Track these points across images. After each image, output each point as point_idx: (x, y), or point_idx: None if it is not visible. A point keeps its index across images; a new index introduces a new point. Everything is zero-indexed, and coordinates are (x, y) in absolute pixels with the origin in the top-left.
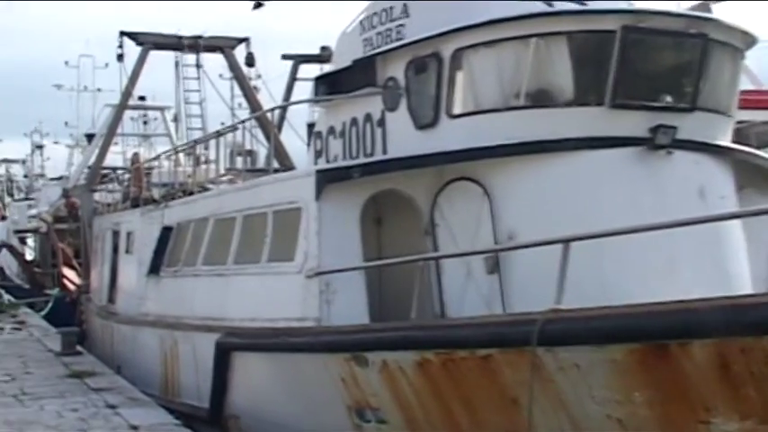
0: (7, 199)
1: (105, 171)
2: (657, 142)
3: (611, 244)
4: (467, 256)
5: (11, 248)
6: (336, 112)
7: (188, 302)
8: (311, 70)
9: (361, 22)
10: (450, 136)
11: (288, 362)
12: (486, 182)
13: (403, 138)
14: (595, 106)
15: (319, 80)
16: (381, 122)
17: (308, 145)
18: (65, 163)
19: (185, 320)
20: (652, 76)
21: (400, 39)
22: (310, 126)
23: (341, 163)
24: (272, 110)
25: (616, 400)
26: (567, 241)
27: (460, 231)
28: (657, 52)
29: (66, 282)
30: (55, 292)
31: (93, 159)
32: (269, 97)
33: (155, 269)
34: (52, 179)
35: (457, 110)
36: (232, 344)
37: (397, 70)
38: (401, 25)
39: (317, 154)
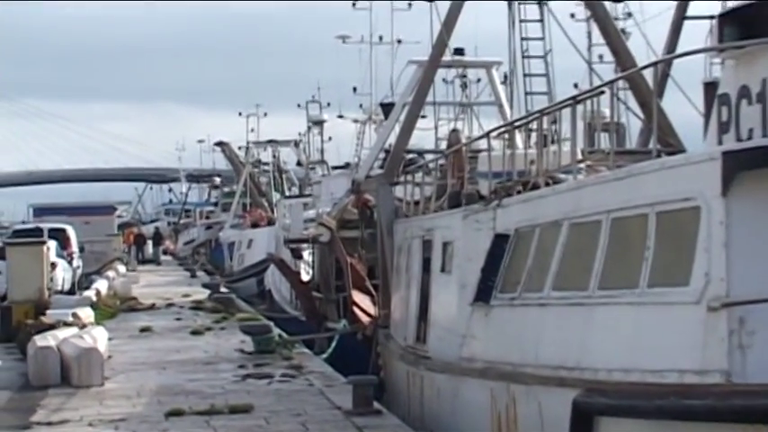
0: (275, 196)
1: (410, 156)
2: None
3: None
4: None
5: (280, 264)
6: (752, 66)
7: (531, 343)
8: (708, 5)
9: None
10: None
11: None
12: None
13: None
14: None
15: (724, 18)
16: None
17: (706, 115)
18: (353, 145)
19: (527, 369)
20: None
21: None
22: (709, 86)
23: (761, 141)
24: (652, 65)
25: None
26: None
27: None
28: None
29: (356, 311)
30: (341, 325)
31: (392, 139)
32: (644, 46)
33: (483, 295)
34: (336, 168)
35: None
36: (596, 405)
37: None
38: None
39: (723, 127)
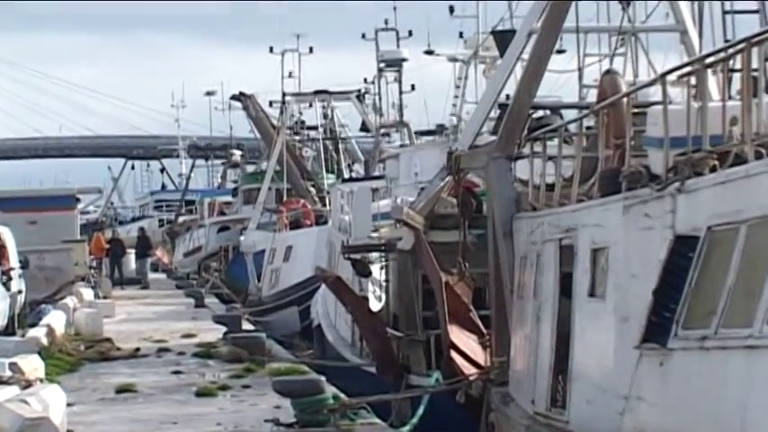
0: (327, 179)
1: (539, 114)
2: None
3: None
4: None
5: (336, 286)
6: None
7: (734, 408)
8: None
9: None
10: None
11: None
12: None
13: None
14: None
15: None
16: None
17: None
18: (448, 98)
19: None
20: None
21: None
22: None
23: None
24: None
25: None
26: None
27: None
28: None
29: (456, 358)
30: (432, 380)
31: (510, 88)
32: None
33: (657, 333)
34: (423, 133)
35: None
36: None
37: None
38: None
39: None
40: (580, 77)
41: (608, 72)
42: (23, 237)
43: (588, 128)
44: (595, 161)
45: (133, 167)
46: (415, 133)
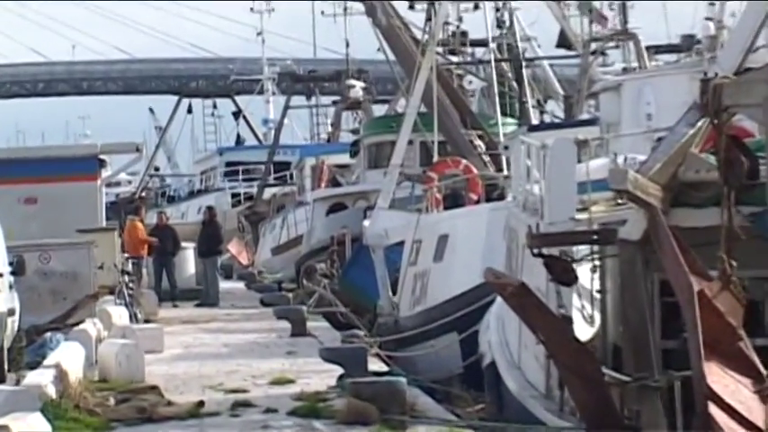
0: (506, 125)
1: None
2: None
3: None
4: None
5: (520, 297)
6: None
7: None
8: None
9: None
10: None
11: None
12: None
13: None
14: None
15: None
16: None
17: None
18: None
19: None
20: None
21: None
22: None
23: None
24: None
25: None
26: None
27: None
28: None
29: (716, 414)
30: None
31: None
32: None
33: None
34: (656, 50)
35: None
36: None
37: None
38: None
39: None
40: None
41: None
42: (17, 224)
43: None
44: None
45: (190, 110)
46: (647, 50)
